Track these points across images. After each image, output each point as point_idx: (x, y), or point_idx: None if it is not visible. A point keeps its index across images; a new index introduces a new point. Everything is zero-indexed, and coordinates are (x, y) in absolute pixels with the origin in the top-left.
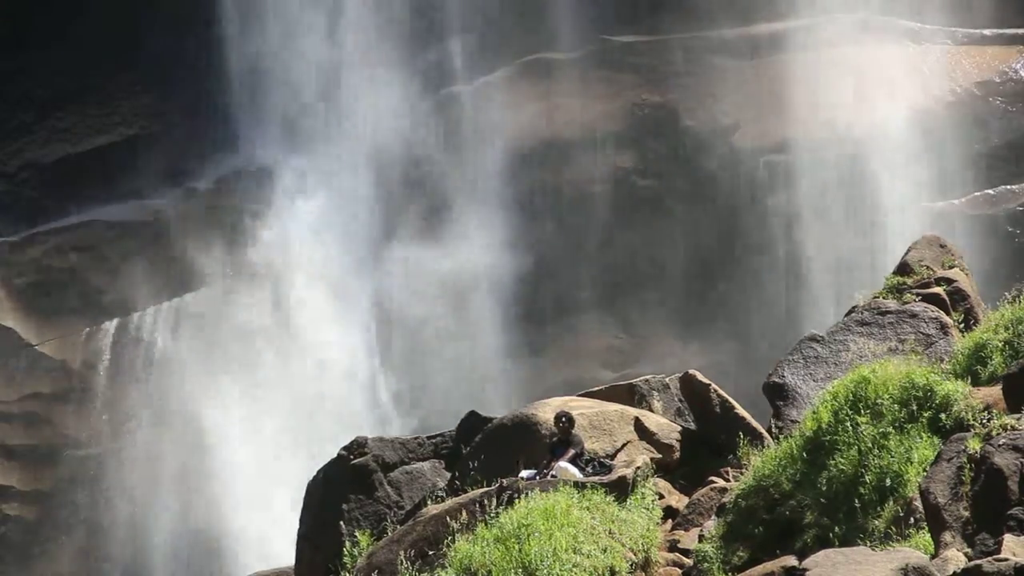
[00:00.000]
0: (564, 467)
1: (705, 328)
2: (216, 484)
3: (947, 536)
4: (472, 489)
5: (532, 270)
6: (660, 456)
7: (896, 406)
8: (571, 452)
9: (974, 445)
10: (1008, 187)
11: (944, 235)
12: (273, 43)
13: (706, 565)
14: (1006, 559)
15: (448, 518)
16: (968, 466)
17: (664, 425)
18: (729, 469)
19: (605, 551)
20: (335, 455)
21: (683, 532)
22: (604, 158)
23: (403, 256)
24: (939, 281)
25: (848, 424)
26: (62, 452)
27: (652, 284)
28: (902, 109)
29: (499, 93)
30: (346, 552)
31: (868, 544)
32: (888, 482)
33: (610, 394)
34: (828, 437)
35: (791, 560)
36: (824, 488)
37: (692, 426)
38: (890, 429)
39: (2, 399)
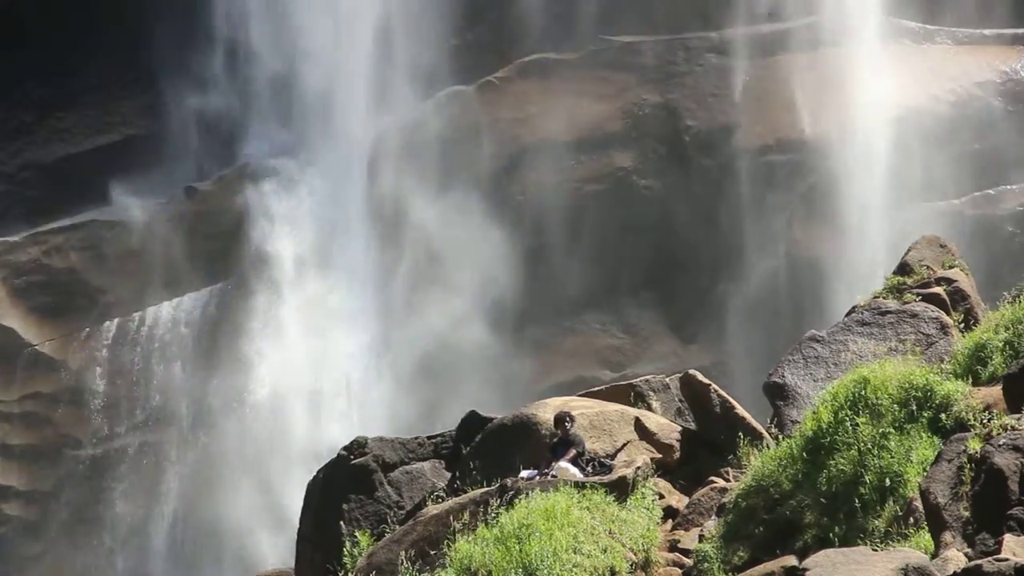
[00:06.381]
0: (564, 467)
1: (705, 328)
2: (216, 484)
3: (947, 536)
4: (472, 489)
5: (532, 270)
6: (660, 456)
7: (896, 406)
8: (572, 452)
9: (974, 445)
10: (1008, 187)
11: (944, 235)
12: (274, 43)
13: (706, 565)
14: (1006, 559)
15: (449, 518)
16: (968, 466)
17: (664, 425)
18: (729, 469)
19: (605, 551)
20: (335, 455)
21: (683, 532)
22: (604, 158)
23: (402, 256)
24: (939, 281)
25: (848, 424)
26: (62, 452)
27: (652, 284)
28: (902, 109)
29: (499, 93)
30: (346, 552)
31: (868, 544)
32: (888, 482)
33: (610, 394)
34: (828, 437)
35: (791, 560)
36: (824, 488)
37: (692, 426)
38: (890, 429)
39: (2, 399)
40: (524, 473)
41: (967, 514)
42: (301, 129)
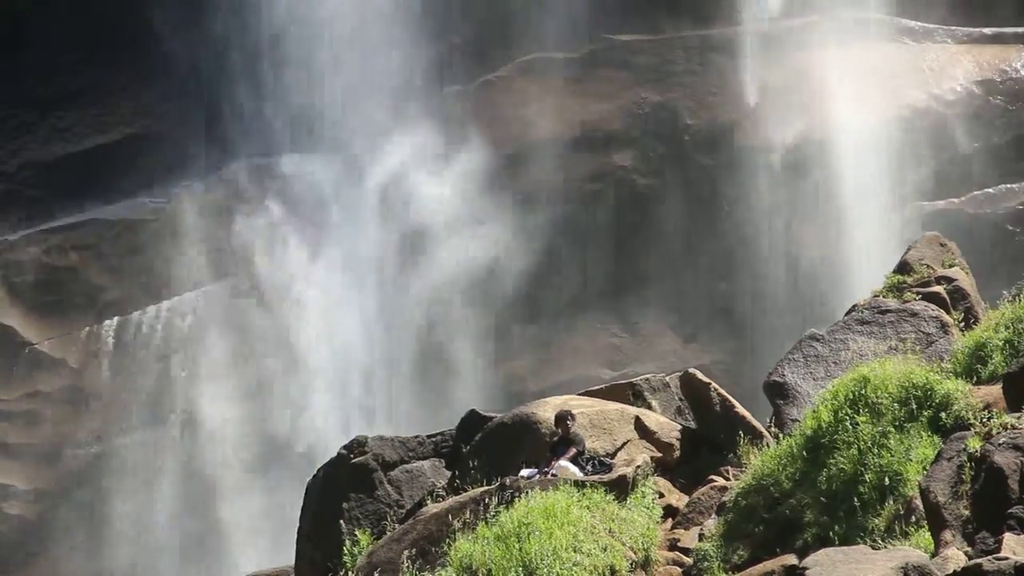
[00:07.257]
0: (564, 466)
1: (705, 328)
2: (216, 483)
3: (947, 535)
4: (472, 488)
5: (532, 269)
6: (660, 455)
7: (896, 405)
8: (572, 451)
9: (974, 444)
10: (1008, 186)
11: (944, 234)
12: (276, 43)
13: (706, 564)
14: (1006, 558)
15: (448, 517)
16: (968, 465)
17: (664, 424)
18: (729, 468)
19: (605, 550)
20: (335, 454)
21: (683, 531)
22: (604, 158)
23: (403, 255)
24: (939, 280)
25: (848, 423)
26: (62, 451)
27: (652, 283)
28: (902, 108)
29: (499, 92)
30: (346, 551)
31: (868, 543)
32: (888, 481)
33: (610, 393)
34: (828, 436)
35: (791, 559)
36: (824, 487)
37: (692, 425)
38: (890, 428)
39: (2, 398)
40: (524, 472)
41: (967, 513)
42: (301, 127)
